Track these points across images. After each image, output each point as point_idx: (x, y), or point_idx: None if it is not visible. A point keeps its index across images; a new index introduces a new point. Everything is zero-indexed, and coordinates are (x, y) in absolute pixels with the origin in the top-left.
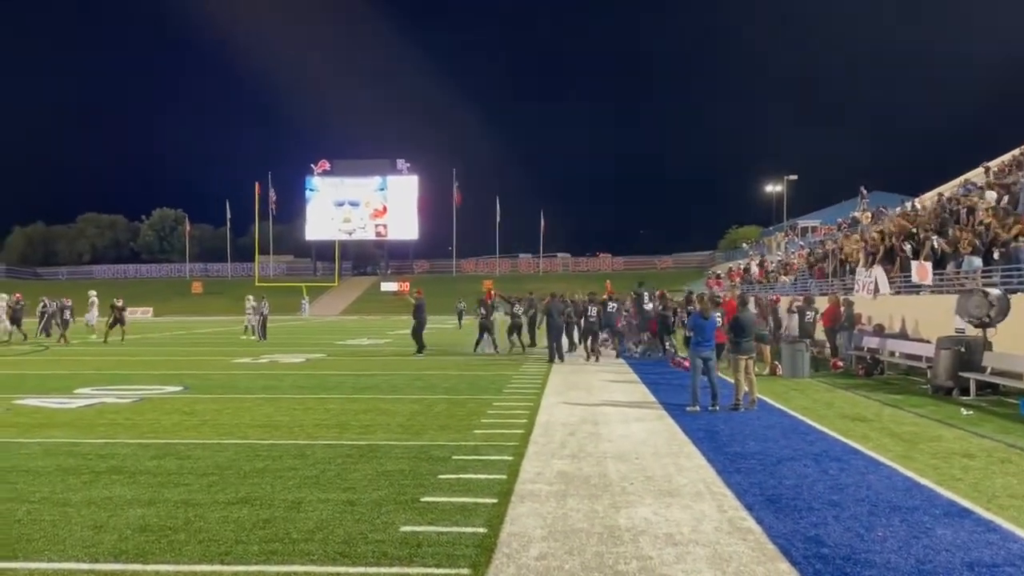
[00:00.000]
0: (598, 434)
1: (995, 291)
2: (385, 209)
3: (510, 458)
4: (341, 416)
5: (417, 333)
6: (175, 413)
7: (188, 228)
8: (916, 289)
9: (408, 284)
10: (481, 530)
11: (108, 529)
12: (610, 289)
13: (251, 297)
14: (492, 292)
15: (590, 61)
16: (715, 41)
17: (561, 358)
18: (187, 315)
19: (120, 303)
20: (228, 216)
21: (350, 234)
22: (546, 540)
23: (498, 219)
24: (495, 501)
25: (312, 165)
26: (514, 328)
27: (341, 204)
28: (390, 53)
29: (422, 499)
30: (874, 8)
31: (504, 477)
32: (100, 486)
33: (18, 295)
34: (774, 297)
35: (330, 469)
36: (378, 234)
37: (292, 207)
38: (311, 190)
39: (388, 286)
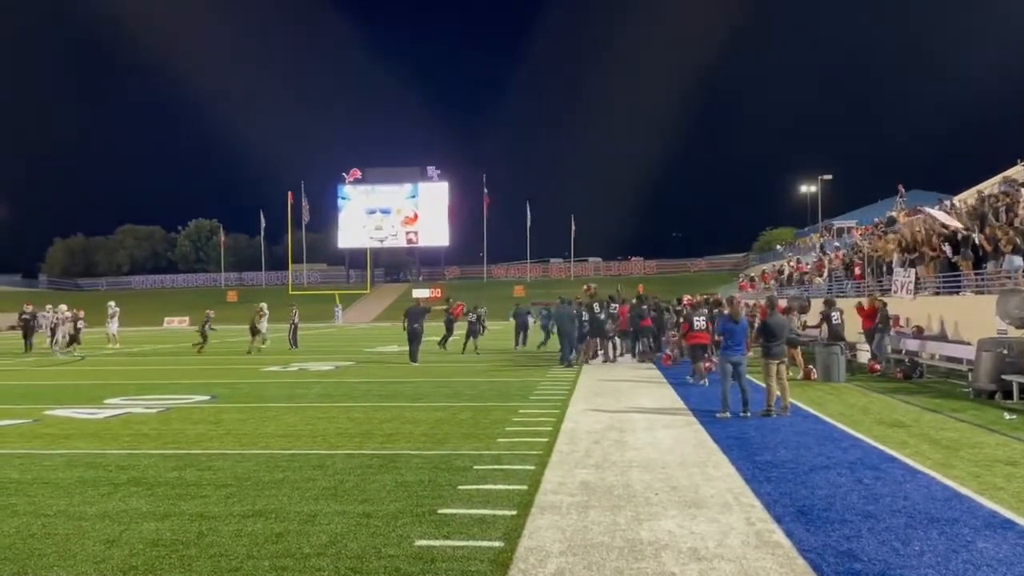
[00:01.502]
0: (624, 442)
1: None
2: (416, 216)
3: (532, 468)
4: (365, 425)
5: (410, 340)
6: (201, 423)
7: (223, 238)
8: (956, 289)
9: (440, 291)
10: (497, 544)
11: (120, 544)
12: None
13: (264, 305)
14: (461, 308)
15: (617, 64)
16: (752, 41)
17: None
18: (222, 324)
19: (211, 315)
20: (262, 226)
21: (382, 242)
22: (564, 555)
23: (528, 224)
24: (514, 513)
25: (344, 174)
26: (471, 334)
27: (373, 212)
28: (420, 62)
29: (439, 511)
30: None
31: (525, 488)
32: (117, 498)
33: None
34: (742, 300)
35: (348, 480)
36: (409, 241)
37: (325, 216)
38: (343, 199)
39: (420, 293)
